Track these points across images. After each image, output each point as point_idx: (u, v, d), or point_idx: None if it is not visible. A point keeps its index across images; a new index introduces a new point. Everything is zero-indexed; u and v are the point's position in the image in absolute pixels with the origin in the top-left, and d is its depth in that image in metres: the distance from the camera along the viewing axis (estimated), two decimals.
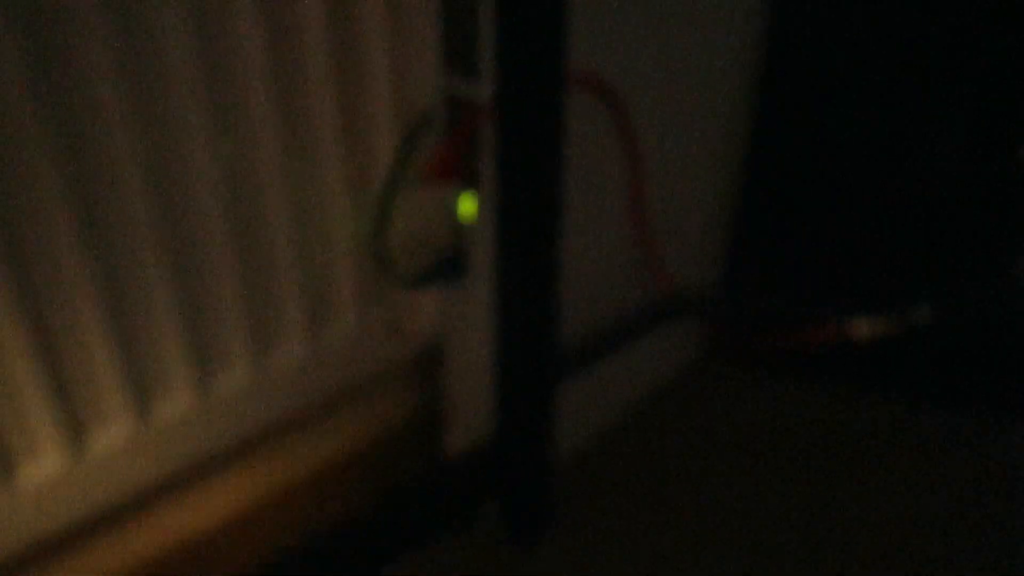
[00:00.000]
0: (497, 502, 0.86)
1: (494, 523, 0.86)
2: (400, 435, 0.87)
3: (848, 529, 0.87)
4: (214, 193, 0.66)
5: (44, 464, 0.65)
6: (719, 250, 1.03)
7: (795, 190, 0.97)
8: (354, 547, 0.78)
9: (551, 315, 0.76)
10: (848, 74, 0.90)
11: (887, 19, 0.86)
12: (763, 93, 0.94)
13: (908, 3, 0.85)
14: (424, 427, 0.88)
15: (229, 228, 0.68)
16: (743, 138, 0.97)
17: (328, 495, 0.84)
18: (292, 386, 0.78)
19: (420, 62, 0.71)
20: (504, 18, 0.63)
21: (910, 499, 0.90)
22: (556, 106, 0.67)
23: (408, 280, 0.78)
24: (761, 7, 0.90)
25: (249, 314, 0.72)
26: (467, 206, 0.75)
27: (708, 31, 0.86)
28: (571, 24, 0.64)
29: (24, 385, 0.62)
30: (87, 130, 0.59)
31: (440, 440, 0.88)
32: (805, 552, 0.85)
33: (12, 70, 0.54)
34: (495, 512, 0.86)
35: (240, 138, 0.66)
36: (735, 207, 1.01)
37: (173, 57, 0.60)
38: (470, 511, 0.87)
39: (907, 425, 0.97)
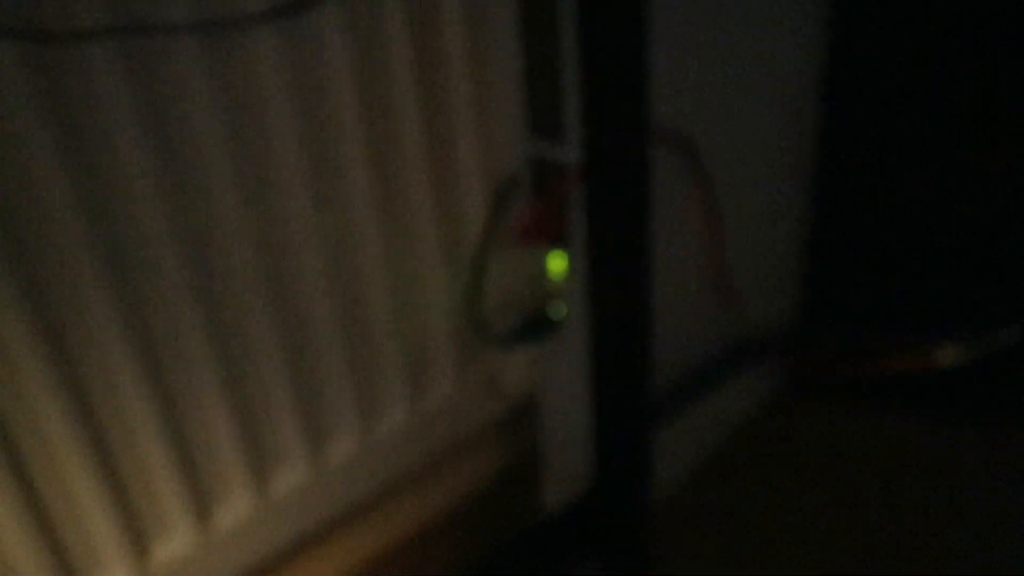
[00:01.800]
0: (596, 552, 0.87)
1: (594, 572, 0.87)
2: (499, 491, 0.89)
3: (946, 560, 0.87)
4: (317, 267, 0.68)
5: (174, 542, 0.67)
6: (796, 285, 1.04)
7: (867, 220, 0.98)
8: None
9: (645, 365, 0.77)
10: (911, 106, 0.91)
11: (947, 43, 0.87)
12: (828, 127, 0.96)
13: (966, 22, 0.85)
14: (521, 482, 0.89)
15: (331, 300, 0.70)
16: (812, 173, 0.98)
17: (432, 555, 0.85)
18: (395, 450, 0.79)
19: (506, 128, 0.74)
20: (590, 81, 0.65)
21: (1008, 525, 0.89)
22: (642, 164, 0.69)
23: (502, 339, 0.79)
24: (819, 54, 0.92)
25: (354, 383, 0.74)
26: (557, 264, 0.77)
27: (772, 80, 0.88)
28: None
29: (154, 467, 0.64)
30: (200, 206, 0.61)
31: (538, 493, 0.89)
32: None
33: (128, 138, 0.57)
34: (595, 562, 0.87)
35: (338, 209, 0.68)
36: (809, 241, 1.02)
37: (276, 132, 0.63)
38: (572, 565, 0.87)
39: (999, 450, 0.97)
